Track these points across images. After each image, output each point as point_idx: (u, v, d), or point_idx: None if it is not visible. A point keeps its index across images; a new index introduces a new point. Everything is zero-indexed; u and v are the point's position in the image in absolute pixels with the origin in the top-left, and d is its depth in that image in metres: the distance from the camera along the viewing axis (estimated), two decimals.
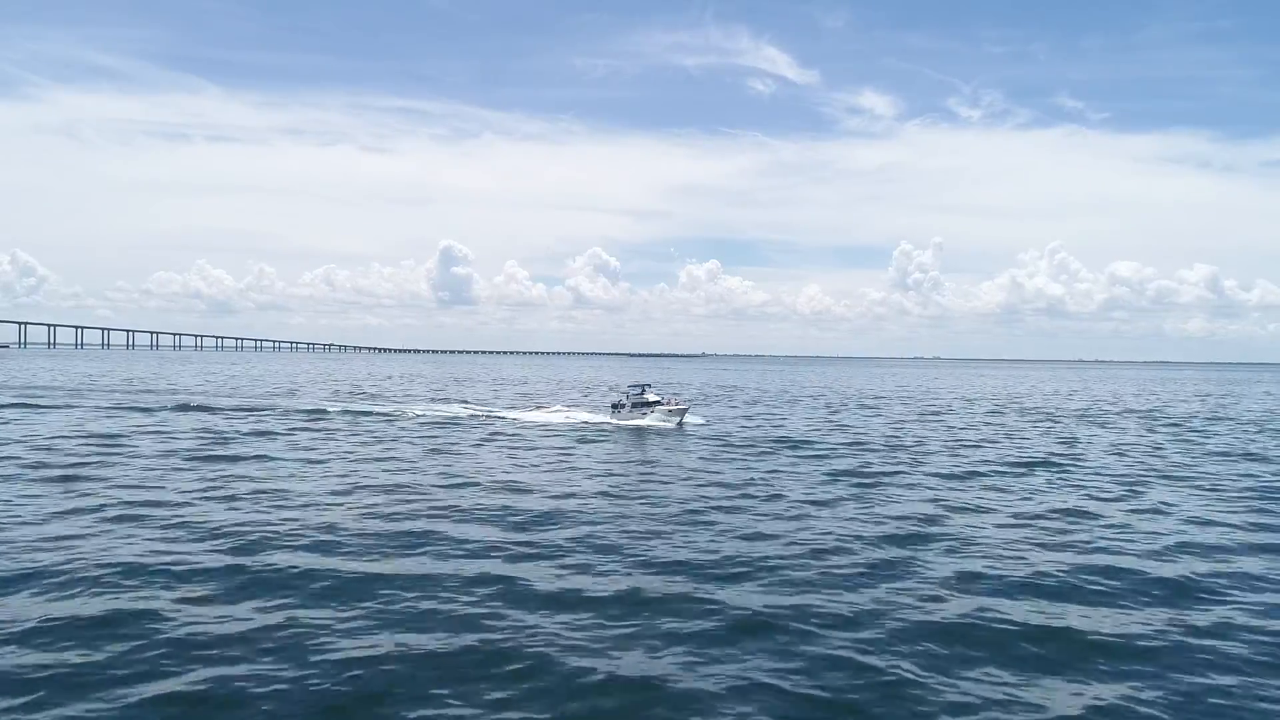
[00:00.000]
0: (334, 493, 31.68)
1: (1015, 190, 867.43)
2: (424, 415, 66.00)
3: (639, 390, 65.88)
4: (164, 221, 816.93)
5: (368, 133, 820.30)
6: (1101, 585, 20.54)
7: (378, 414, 66.46)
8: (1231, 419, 77.94)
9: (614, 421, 62.96)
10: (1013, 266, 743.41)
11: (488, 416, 66.74)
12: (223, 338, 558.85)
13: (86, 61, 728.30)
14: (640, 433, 57.16)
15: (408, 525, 26.00)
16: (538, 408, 75.26)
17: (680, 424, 61.33)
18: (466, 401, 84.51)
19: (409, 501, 30.02)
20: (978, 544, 24.57)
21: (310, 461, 40.15)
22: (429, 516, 27.29)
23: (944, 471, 39.98)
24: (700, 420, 64.86)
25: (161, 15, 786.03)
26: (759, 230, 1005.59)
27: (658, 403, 63.22)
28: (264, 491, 31.45)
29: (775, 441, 51.97)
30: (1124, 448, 52.14)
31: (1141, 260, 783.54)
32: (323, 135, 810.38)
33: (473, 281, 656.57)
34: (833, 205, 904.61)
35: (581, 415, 67.84)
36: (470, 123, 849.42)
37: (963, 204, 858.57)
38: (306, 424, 58.39)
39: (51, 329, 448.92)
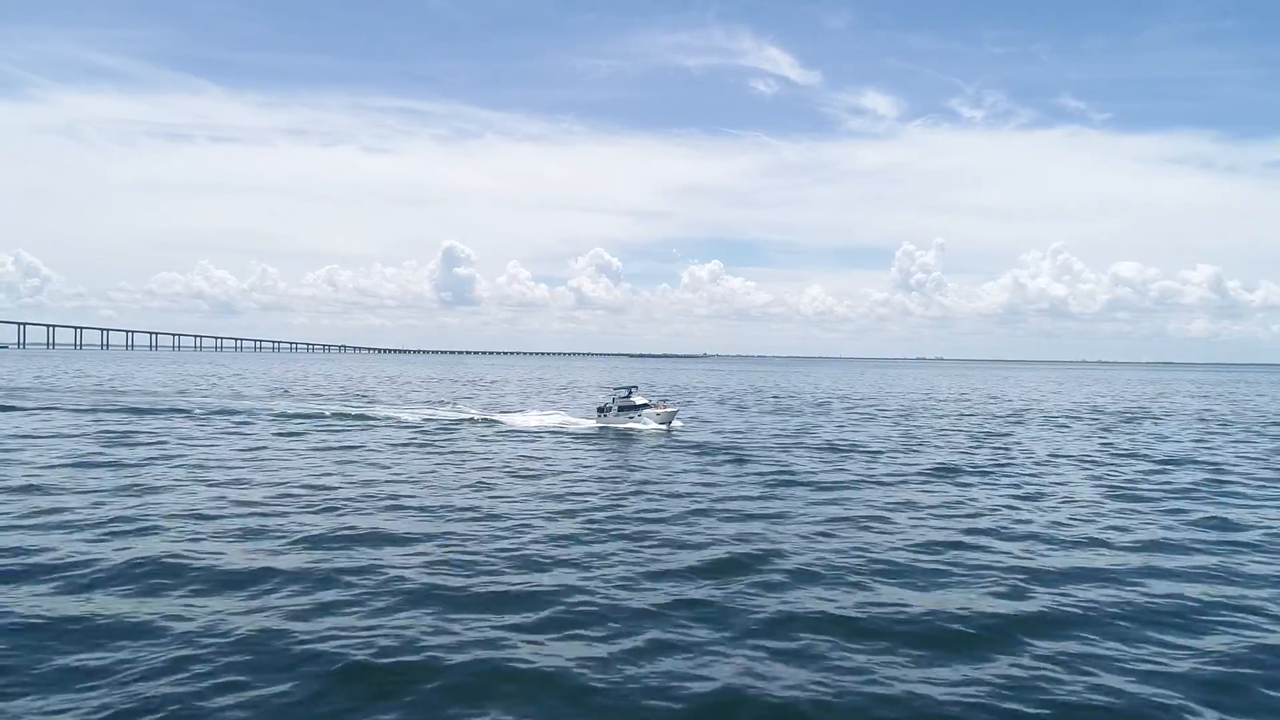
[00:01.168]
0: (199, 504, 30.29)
1: (1018, 191, 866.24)
2: (399, 419, 63.87)
3: (625, 393, 63.80)
4: (166, 222, 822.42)
5: (369, 133, 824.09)
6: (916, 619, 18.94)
7: (352, 418, 64.50)
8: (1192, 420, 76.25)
9: (599, 425, 60.97)
10: (1015, 267, 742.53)
11: (462, 420, 64.49)
12: (222, 338, 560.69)
13: (88, 62, 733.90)
14: (611, 435, 55.59)
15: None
16: (521, 410, 73.35)
17: (668, 428, 59.35)
18: (445, 402, 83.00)
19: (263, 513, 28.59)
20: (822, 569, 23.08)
21: (198, 467, 38.80)
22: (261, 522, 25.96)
23: (851, 477, 38.53)
24: (678, 424, 62.21)
25: (163, 16, 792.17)
26: (761, 231, 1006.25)
27: (645, 406, 61.17)
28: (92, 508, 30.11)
29: (723, 447, 50.34)
30: (1056, 451, 50.65)
31: (1144, 261, 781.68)
32: (325, 136, 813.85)
33: (475, 282, 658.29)
34: (835, 206, 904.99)
35: (564, 418, 66.09)
36: (472, 123, 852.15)
37: (965, 204, 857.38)
38: (234, 427, 57.22)
39: (50, 329, 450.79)
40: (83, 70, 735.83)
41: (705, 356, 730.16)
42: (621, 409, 61.44)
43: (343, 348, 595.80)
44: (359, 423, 61.30)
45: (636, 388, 67.44)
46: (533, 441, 51.93)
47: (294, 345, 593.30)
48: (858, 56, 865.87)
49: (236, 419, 61.54)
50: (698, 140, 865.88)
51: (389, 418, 64.79)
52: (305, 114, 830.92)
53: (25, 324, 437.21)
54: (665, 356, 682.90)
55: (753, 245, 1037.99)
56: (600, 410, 63.34)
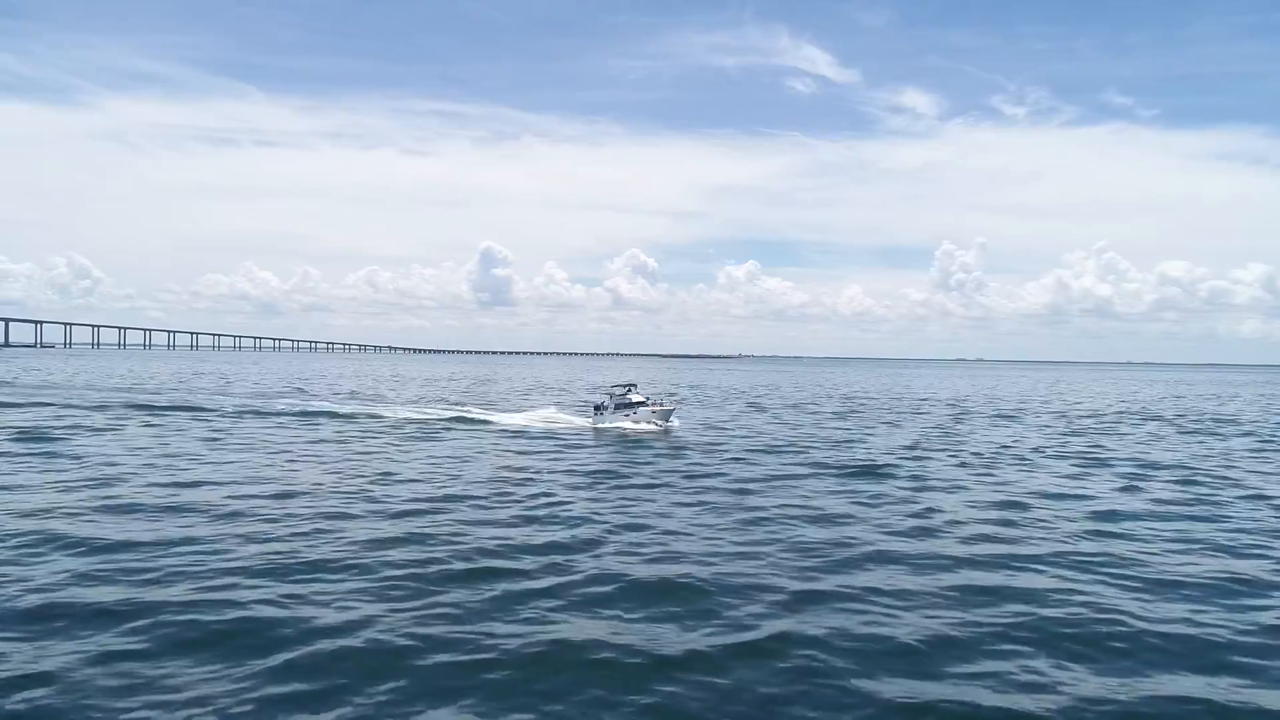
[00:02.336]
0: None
1: (1061, 189, 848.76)
2: (377, 415, 63.57)
3: (623, 390, 62.17)
4: (211, 224, 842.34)
5: (408, 136, 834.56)
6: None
7: (315, 414, 64.34)
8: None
9: (594, 424, 59.22)
10: (1059, 267, 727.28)
11: (445, 418, 63.35)
12: (261, 338, 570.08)
13: (136, 68, 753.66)
14: (563, 433, 54.72)
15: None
16: (520, 410, 71.93)
17: (665, 426, 57.97)
18: (456, 401, 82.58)
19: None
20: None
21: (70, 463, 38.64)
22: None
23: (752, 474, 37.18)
24: (676, 422, 60.88)
25: (208, 22, 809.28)
26: (798, 231, 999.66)
27: (642, 404, 59.44)
28: None
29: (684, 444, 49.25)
30: (990, 450, 48.57)
31: (1193, 260, 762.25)
32: (364, 139, 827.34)
33: (512, 283, 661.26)
34: (874, 205, 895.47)
35: (560, 417, 64.88)
36: (509, 125, 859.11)
37: (1007, 203, 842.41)
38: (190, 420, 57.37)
39: (95, 329, 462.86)
40: (130, 76, 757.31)
41: (740, 357, 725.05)
42: (618, 407, 59.83)
43: (378, 348, 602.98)
44: (311, 419, 61.02)
45: (635, 385, 65.28)
46: (479, 440, 50.84)
47: (330, 345, 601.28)
48: (897, 54, 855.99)
49: (189, 415, 61.71)
50: (734, 140, 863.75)
51: (359, 414, 64.52)
52: (345, 118, 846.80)
53: (71, 324, 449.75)
54: (700, 357, 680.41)
55: (790, 245, 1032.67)
56: (597, 409, 61.41)
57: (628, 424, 57.84)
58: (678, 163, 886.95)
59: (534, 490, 32.62)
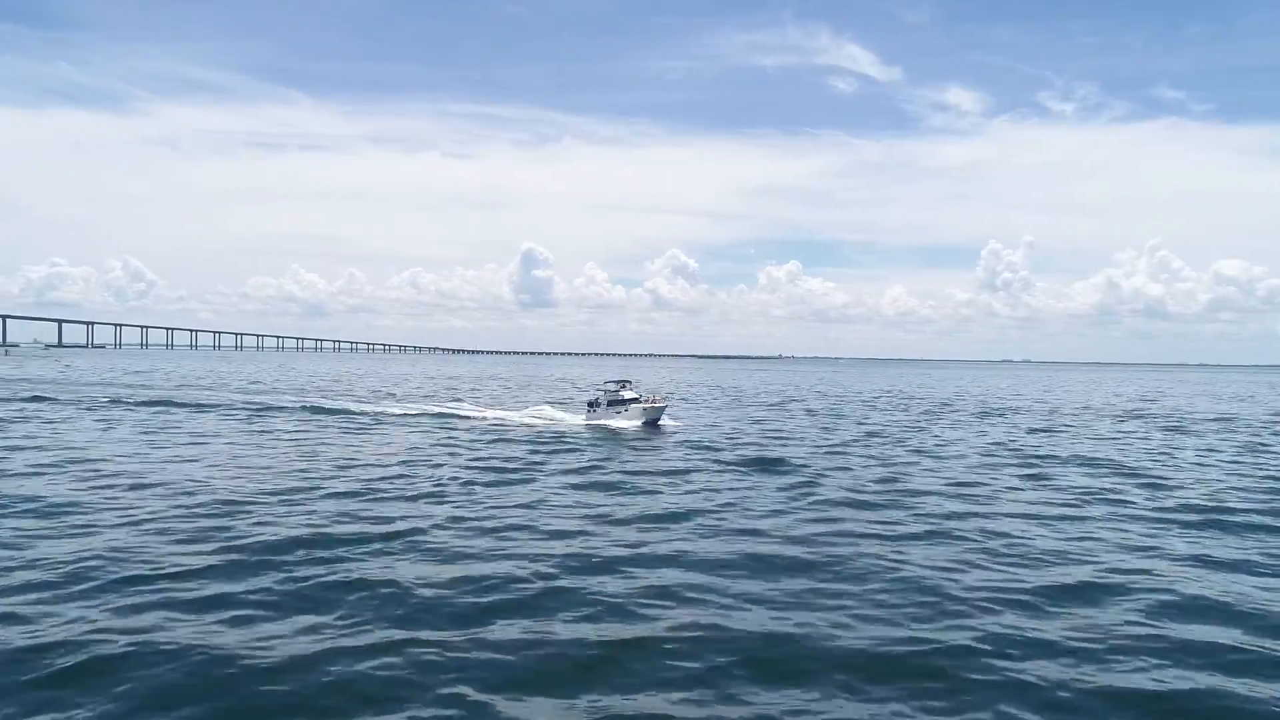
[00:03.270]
0: None
1: (1111, 186, 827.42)
2: (348, 411, 64.56)
3: (616, 387, 62.41)
4: (260, 227, 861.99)
5: (451, 139, 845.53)
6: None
7: (279, 409, 65.50)
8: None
9: (586, 422, 59.50)
10: (1109, 266, 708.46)
11: (423, 414, 63.86)
12: (303, 339, 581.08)
13: (187, 76, 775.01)
14: (550, 429, 54.84)
15: None
16: (515, 408, 72.07)
17: (657, 424, 57.90)
18: (444, 398, 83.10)
19: None
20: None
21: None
22: None
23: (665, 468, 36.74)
24: (676, 423, 60.65)
25: (255, 29, 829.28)
26: (840, 231, 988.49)
27: (634, 401, 59.65)
28: None
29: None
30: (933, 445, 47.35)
31: (1249, 258, 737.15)
32: (408, 142, 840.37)
33: (553, 284, 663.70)
34: (917, 204, 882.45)
35: (552, 414, 65.19)
36: (550, 127, 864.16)
37: (1055, 201, 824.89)
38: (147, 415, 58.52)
39: (144, 331, 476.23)
40: (182, 84, 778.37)
41: (780, 358, 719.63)
42: (610, 403, 60.08)
43: (419, 349, 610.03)
44: (273, 414, 61.85)
45: (629, 383, 65.01)
46: (426, 435, 50.95)
47: (372, 346, 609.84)
48: (940, 51, 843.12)
49: (154, 410, 63.15)
50: (775, 140, 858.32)
51: (330, 410, 65.32)
52: (389, 121, 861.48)
53: (120, 325, 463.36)
54: (741, 358, 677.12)
55: (832, 245, 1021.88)
56: (590, 405, 61.97)
57: (618, 420, 57.87)
58: (718, 163, 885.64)
59: (413, 484, 32.33)
